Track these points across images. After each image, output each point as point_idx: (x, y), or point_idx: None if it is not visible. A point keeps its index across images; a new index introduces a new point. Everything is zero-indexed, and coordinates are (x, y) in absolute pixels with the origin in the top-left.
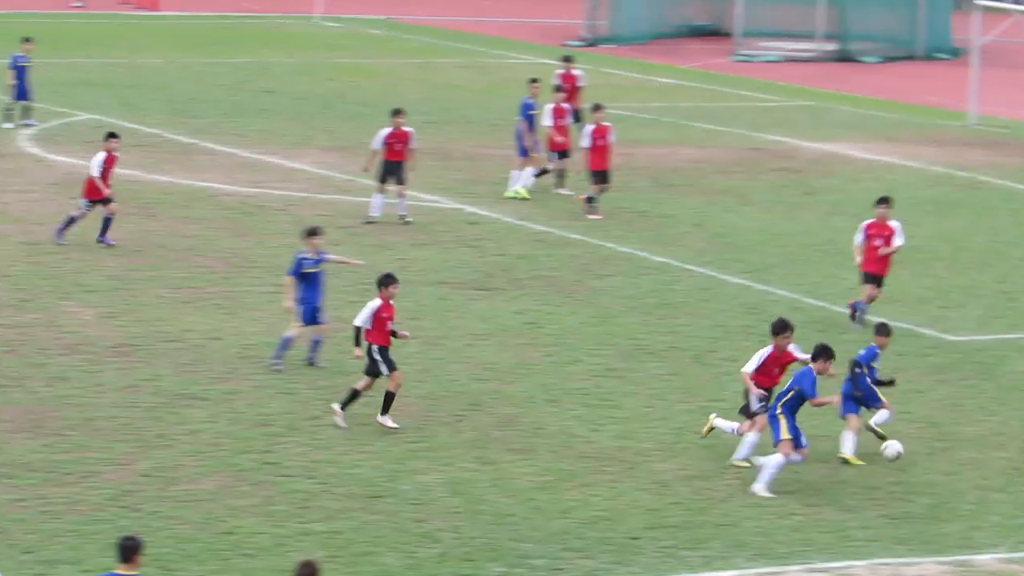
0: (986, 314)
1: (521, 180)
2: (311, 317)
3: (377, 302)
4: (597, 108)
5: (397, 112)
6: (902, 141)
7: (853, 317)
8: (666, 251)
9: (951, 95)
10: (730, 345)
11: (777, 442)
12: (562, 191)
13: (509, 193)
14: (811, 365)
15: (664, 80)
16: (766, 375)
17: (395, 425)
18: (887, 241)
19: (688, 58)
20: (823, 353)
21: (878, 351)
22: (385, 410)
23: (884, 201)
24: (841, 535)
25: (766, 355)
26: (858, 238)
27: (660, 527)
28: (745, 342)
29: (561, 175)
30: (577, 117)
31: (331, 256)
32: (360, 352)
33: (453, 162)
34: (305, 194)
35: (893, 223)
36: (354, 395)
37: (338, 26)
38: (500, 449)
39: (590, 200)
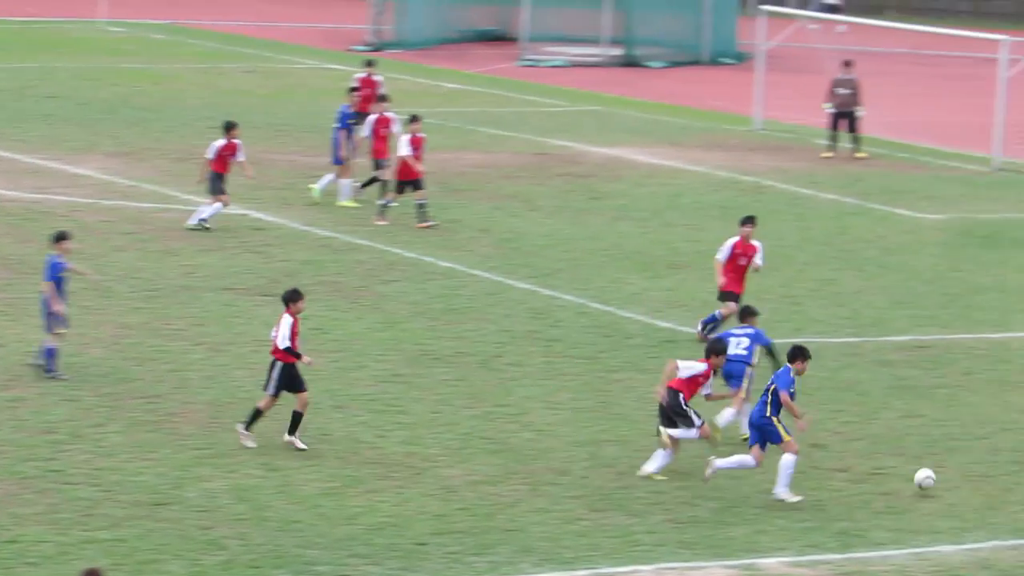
0: (772, 318)
1: (347, 191)
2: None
3: (290, 319)
4: (414, 119)
5: (231, 126)
6: (688, 146)
7: (703, 330)
8: (452, 256)
9: (736, 100)
10: (516, 350)
11: (781, 443)
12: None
13: (344, 202)
14: (790, 365)
15: (450, 85)
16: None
17: (304, 446)
18: (750, 260)
19: (474, 63)
20: (800, 354)
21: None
22: (293, 430)
23: (750, 220)
24: (627, 540)
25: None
26: (722, 256)
27: (447, 533)
28: (531, 347)
29: (384, 185)
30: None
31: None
32: (308, 359)
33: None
34: (89, 200)
35: (756, 243)
36: (257, 414)
37: (122, 31)
38: (286, 455)
39: (384, 206)
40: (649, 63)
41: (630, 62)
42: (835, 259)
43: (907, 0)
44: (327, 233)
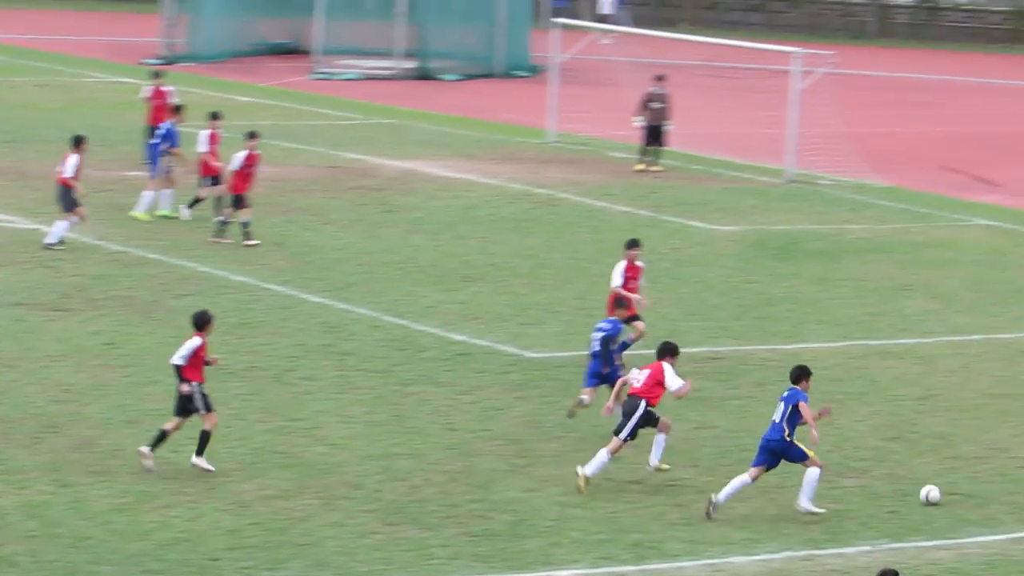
0: (565, 331)
1: (147, 202)
2: None
3: (197, 341)
4: (252, 136)
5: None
6: (482, 159)
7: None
8: (246, 270)
9: (530, 113)
10: (309, 364)
11: (805, 460)
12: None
13: (163, 212)
14: (797, 387)
15: (243, 98)
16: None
17: (211, 468)
18: (637, 281)
19: (267, 76)
20: (804, 374)
21: (622, 327)
22: (200, 451)
23: (635, 243)
24: (421, 553)
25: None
26: (617, 280)
27: (240, 548)
28: (324, 361)
29: (220, 200)
30: (152, 133)
31: None
32: (187, 388)
33: (29, 181)
34: None
35: (640, 264)
36: (163, 436)
37: None
38: (78, 471)
39: (223, 223)
40: (443, 76)
41: (424, 75)
42: None
43: (699, 13)
44: (119, 248)
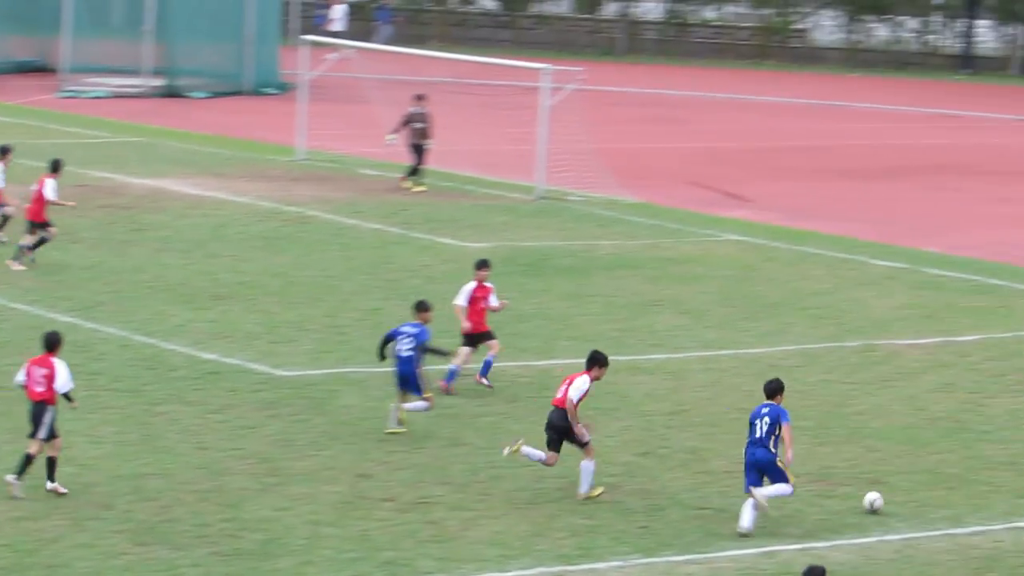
0: (317, 349)
1: None
2: None
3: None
4: (55, 167)
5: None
6: (231, 177)
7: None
8: None
9: (280, 130)
10: None
11: (787, 481)
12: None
13: None
14: (773, 401)
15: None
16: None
17: (65, 490)
18: (487, 301)
19: (13, 95)
20: (779, 388)
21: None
22: (51, 476)
23: (484, 264)
24: (172, 573)
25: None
26: (462, 300)
27: None
28: (74, 380)
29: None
30: None
31: None
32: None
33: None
34: None
35: (488, 284)
36: (28, 460)
37: None
38: None
39: (28, 248)
40: (191, 93)
41: (172, 92)
42: (380, 289)
43: (448, 30)
44: None
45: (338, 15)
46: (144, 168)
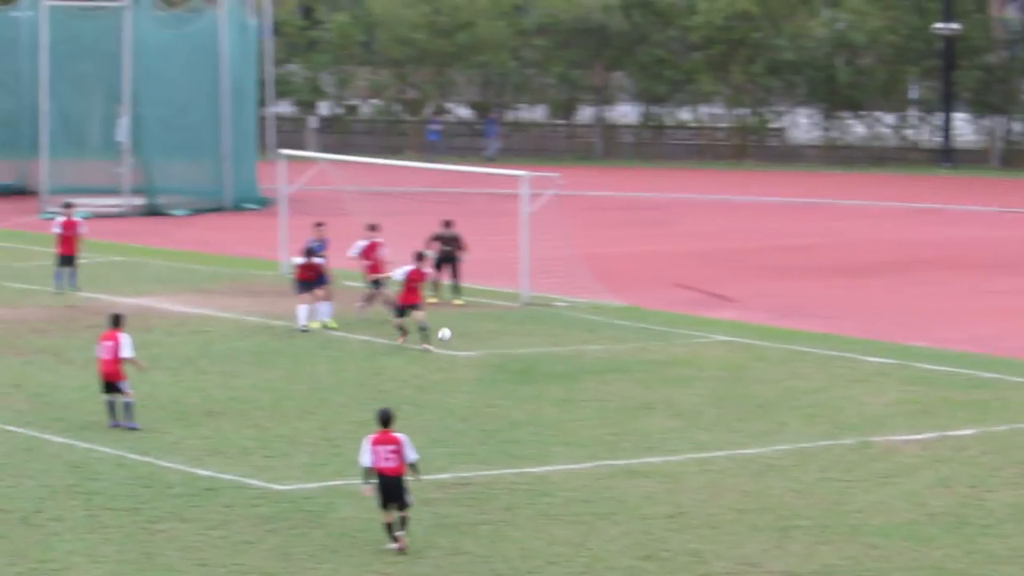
0: (311, 462)
1: None
2: None
3: None
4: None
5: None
6: (217, 293)
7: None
8: None
9: (262, 245)
10: (56, 505)
11: None
12: None
13: None
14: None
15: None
16: None
17: None
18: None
19: None
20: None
21: None
22: None
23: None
24: None
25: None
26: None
27: None
28: (71, 501)
29: None
30: None
31: None
32: None
33: None
34: None
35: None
36: None
37: None
38: None
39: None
40: (172, 211)
41: (153, 211)
42: (371, 400)
43: (424, 140)
44: None
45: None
46: (129, 287)
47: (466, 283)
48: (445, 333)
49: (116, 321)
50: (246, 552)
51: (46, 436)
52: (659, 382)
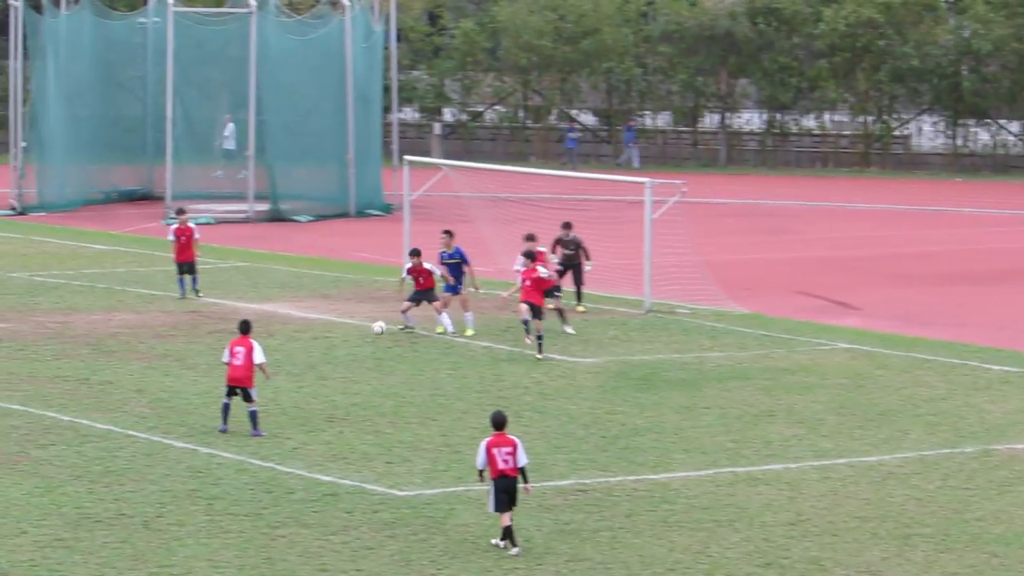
0: (432, 468)
1: None
2: None
3: None
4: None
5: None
6: (339, 298)
7: None
8: (108, 418)
9: (385, 251)
10: (178, 510)
11: None
12: None
13: None
14: None
15: (97, 246)
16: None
17: None
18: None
19: (120, 223)
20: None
21: None
22: None
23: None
24: None
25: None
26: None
27: None
28: (192, 506)
29: None
30: None
31: None
32: None
33: None
34: None
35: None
36: None
37: None
38: None
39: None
40: (296, 217)
41: (277, 217)
42: (493, 406)
43: (549, 147)
44: None
45: (229, 132)
46: (252, 292)
47: (589, 290)
48: (379, 326)
49: (246, 327)
50: (366, 558)
51: (168, 441)
52: (781, 389)
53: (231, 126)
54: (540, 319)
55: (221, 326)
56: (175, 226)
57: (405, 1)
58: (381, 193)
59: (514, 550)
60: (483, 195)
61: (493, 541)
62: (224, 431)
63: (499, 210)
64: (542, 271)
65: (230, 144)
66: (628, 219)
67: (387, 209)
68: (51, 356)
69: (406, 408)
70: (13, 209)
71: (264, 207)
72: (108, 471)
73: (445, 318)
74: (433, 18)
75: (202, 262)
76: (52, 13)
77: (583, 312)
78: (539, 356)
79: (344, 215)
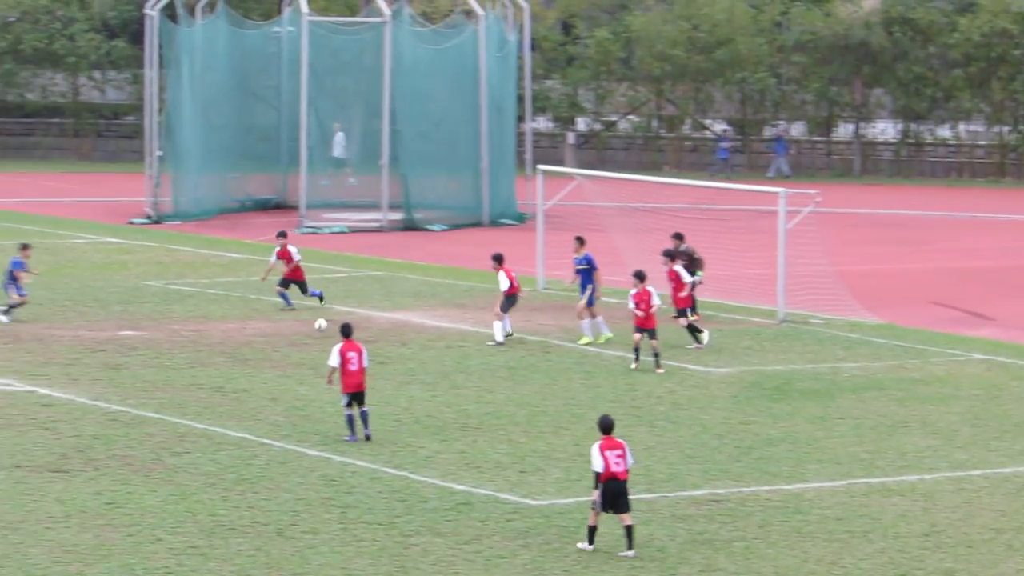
0: (566, 477)
1: None
2: None
3: None
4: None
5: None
6: (473, 308)
7: None
8: (243, 426)
9: (519, 260)
10: (311, 518)
11: None
12: None
13: None
14: None
15: (231, 255)
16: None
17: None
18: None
19: (255, 232)
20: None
21: None
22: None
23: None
24: None
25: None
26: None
27: None
28: (326, 514)
29: None
30: None
31: None
32: None
33: (23, 344)
34: None
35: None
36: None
37: None
38: None
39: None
40: (429, 226)
41: (410, 226)
42: (626, 416)
43: (682, 156)
44: (116, 407)
45: (339, 141)
46: (386, 301)
47: (724, 300)
48: (320, 323)
49: (350, 330)
50: (499, 567)
51: (302, 449)
52: (915, 400)
53: (340, 135)
54: (654, 339)
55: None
56: (276, 249)
57: (539, 10)
58: (515, 202)
59: (627, 552)
60: (616, 204)
61: (580, 544)
62: (354, 440)
63: (632, 219)
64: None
65: (340, 153)
66: (761, 229)
67: (520, 218)
68: (186, 364)
69: (539, 417)
70: (148, 218)
71: (398, 216)
72: (242, 479)
73: (589, 325)
74: (567, 27)
75: (335, 271)
76: (187, 23)
77: (696, 319)
78: (659, 370)
79: (477, 224)
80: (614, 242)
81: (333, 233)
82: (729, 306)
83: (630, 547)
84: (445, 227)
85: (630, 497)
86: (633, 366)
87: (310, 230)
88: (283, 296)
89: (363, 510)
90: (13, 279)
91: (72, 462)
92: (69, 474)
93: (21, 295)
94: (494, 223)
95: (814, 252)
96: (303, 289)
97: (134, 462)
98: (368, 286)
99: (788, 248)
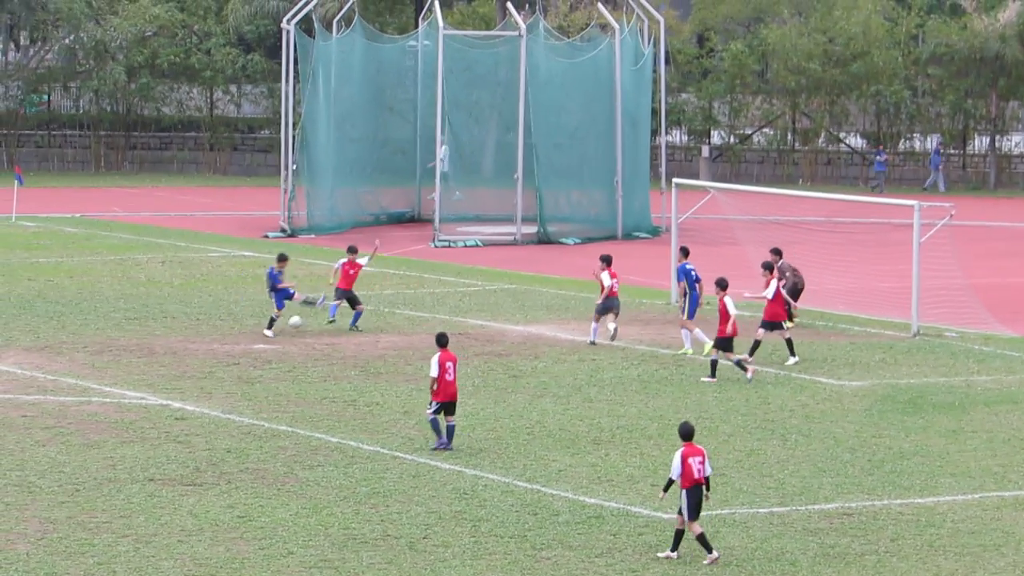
0: None
1: None
2: None
3: None
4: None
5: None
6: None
7: None
8: (375, 440)
9: (652, 274)
10: (443, 531)
11: None
12: None
13: None
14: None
15: (365, 269)
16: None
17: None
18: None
19: (389, 245)
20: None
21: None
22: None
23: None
24: None
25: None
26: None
27: None
28: (458, 528)
29: None
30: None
31: None
32: None
33: (157, 357)
34: (8, 395)
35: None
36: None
37: (34, 225)
38: None
39: None
40: (563, 240)
41: (544, 239)
42: (758, 429)
43: (816, 169)
44: (249, 421)
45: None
46: (519, 315)
47: (857, 312)
48: (295, 320)
49: (446, 340)
50: None
51: (435, 463)
52: None
53: (445, 148)
54: (730, 351)
55: (488, 348)
56: (344, 260)
57: (674, 23)
58: (649, 216)
59: (713, 554)
60: (751, 218)
61: (661, 554)
62: (444, 444)
63: (767, 233)
64: (731, 308)
65: (444, 167)
66: (895, 242)
67: (655, 232)
68: (319, 378)
69: (671, 431)
70: (283, 231)
71: (531, 230)
72: (374, 492)
73: (700, 334)
74: (702, 40)
75: (469, 284)
76: (324, 36)
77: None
78: (749, 376)
79: (612, 238)
80: (748, 255)
81: (467, 247)
82: (862, 319)
83: (674, 549)
84: (579, 240)
85: (760, 511)
86: (749, 375)
87: (444, 243)
88: (332, 309)
89: (495, 523)
90: (277, 290)
91: (205, 475)
92: (202, 487)
93: (279, 308)
94: (628, 236)
95: (948, 265)
96: (353, 300)
97: (267, 475)
98: (501, 299)
99: (922, 261)
